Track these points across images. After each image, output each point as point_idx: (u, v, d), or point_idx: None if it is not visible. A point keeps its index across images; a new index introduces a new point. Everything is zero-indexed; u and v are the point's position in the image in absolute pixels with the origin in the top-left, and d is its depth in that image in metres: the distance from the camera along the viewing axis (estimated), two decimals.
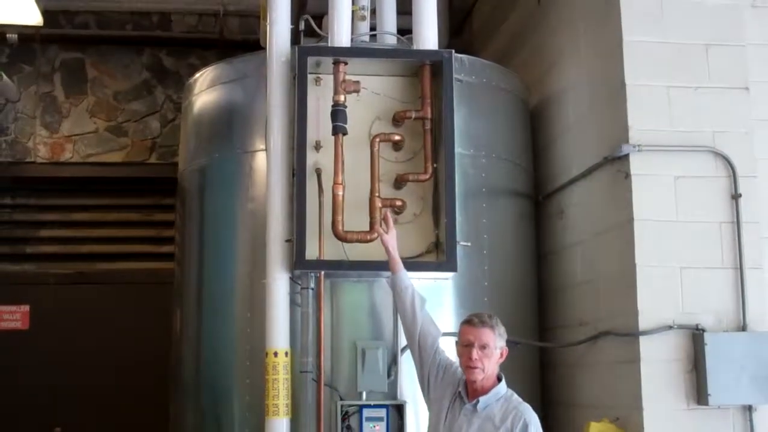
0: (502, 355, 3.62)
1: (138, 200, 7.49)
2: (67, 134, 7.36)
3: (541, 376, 5.40)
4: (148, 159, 7.37)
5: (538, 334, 5.45)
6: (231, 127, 5.18)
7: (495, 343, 3.57)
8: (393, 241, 4.18)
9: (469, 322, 3.63)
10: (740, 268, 4.49)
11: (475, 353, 3.52)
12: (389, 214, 4.34)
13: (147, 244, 7.42)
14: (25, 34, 7.11)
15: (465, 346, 3.58)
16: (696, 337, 4.37)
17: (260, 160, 4.93)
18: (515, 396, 3.64)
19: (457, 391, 3.68)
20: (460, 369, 3.73)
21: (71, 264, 7.26)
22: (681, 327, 4.40)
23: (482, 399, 3.56)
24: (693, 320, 4.41)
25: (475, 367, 3.53)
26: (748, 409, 4.34)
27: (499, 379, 3.64)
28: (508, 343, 4.89)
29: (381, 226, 4.28)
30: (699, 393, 4.33)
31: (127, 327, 6.97)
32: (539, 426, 3.55)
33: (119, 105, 7.51)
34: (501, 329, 3.64)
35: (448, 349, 3.92)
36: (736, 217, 4.54)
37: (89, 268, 7.26)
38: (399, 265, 4.13)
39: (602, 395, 4.76)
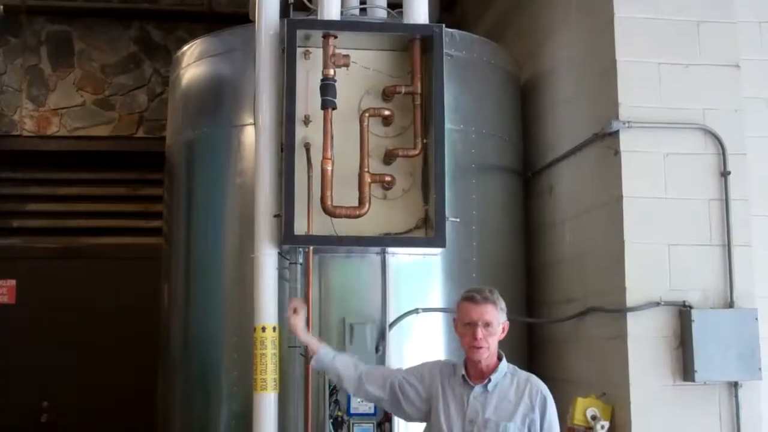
0: (503, 330, 3.43)
1: (125, 174, 7.44)
2: (54, 107, 7.29)
3: (529, 351, 5.41)
4: (136, 133, 7.32)
5: (526, 310, 5.46)
6: (219, 100, 5.14)
7: (498, 320, 3.37)
8: (301, 323, 3.83)
9: (471, 299, 3.39)
10: (728, 246, 4.50)
11: (480, 332, 3.31)
12: (299, 303, 3.92)
13: (134, 218, 7.38)
14: (11, 5, 7.03)
15: (467, 325, 3.36)
16: (683, 313, 4.39)
17: (249, 134, 4.89)
18: (518, 369, 3.49)
19: (452, 378, 3.47)
20: (435, 363, 3.60)
21: (58, 238, 7.22)
22: (668, 304, 4.41)
23: (493, 378, 3.37)
24: (680, 297, 4.43)
25: (481, 347, 3.32)
26: (734, 385, 4.37)
27: (499, 357, 3.44)
28: None
29: (293, 312, 3.83)
30: (685, 369, 4.34)
31: (114, 302, 6.95)
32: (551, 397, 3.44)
33: (106, 78, 7.45)
34: (502, 303, 3.44)
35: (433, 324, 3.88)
36: (725, 195, 4.54)
37: (76, 243, 7.22)
38: (315, 344, 3.75)
39: (589, 371, 4.79)
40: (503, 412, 3.33)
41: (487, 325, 3.33)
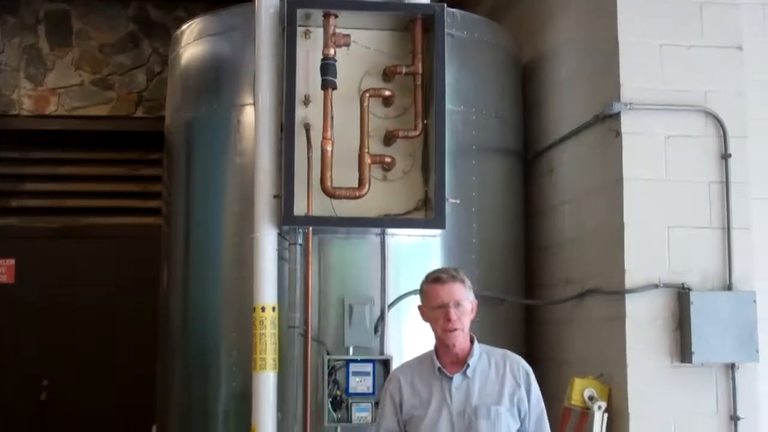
0: (473, 309, 3.25)
1: (124, 154, 7.42)
2: (52, 87, 7.26)
3: (527, 333, 5.43)
4: (134, 113, 7.29)
5: (524, 291, 5.47)
6: (219, 80, 5.12)
7: (467, 298, 3.20)
8: None
9: (438, 280, 3.21)
10: (728, 228, 4.49)
11: (453, 313, 3.13)
12: None
13: (133, 198, 7.37)
14: None
15: (438, 308, 3.17)
16: (682, 295, 4.39)
17: (248, 114, 4.87)
18: (491, 347, 3.33)
19: (422, 377, 3.25)
20: (390, 380, 3.35)
21: (57, 218, 7.22)
22: (667, 286, 4.41)
23: (471, 362, 3.19)
24: (679, 279, 4.43)
25: (456, 329, 3.14)
26: (731, 367, 4.38)
27: (471, 340, 3.26)
28: (495, 300, 5.00)
29: None
30: (683, 351, 4.35)
31: (113, 281, 6.95)
32: None
33: (105, 58, 7.40)
34: (468, 281, 3.26)
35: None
36: (725, 177, 4.53)
37: (75, 223, 7.21)
38: None
39: (587, 352, 4.80)
40: (490, 396, 3.17)
41: (458, 304, 3.16)
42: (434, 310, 3.18)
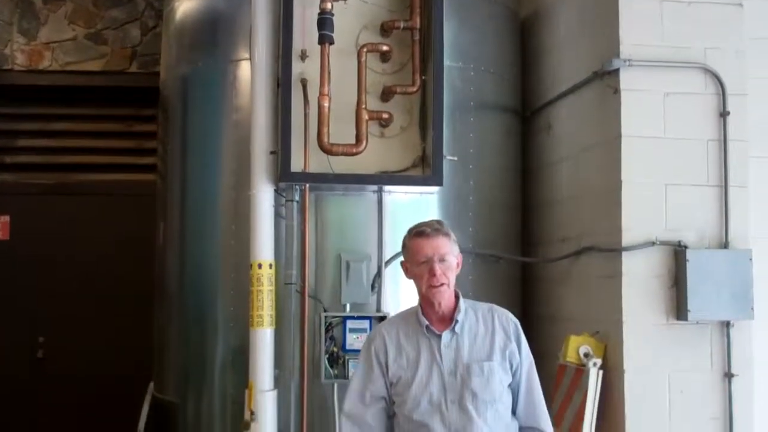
0: (458, 264, 3.11)
1: (118, 110, 7.34)
2: (45, 41, 7.15)
3: (524, 290, 5.44)
4: (128, 68, 7.20)
5: (521, 249, 5.47)
6: (214, 35, 5.06)
7: (452, 252, 3.06)
8: None
9: (422, 234, 3.05)
10: (725, 186, 4.49)
11: (438, 267, 2.98)
12: None
13: (128, 155, 7.31)
14: None
15: (423, 263, 3.01)
16: (678, 253, 4.40)
17: (245, 69, 4.83)
18: (475, 302, 3.20)
19: (407, 336, 3.09)
20: (372, 340, 3.16)
21: (51, 174, 7.16)
22: (664, 243, 4.41)
23: (459, 318, 3.06)
24: (676, 237, 4.43)
25: (441, 284, 2.99)
26: (726, 324, 4.40)
27: (456, 296, 3.12)
28: (492, 257, 5.01)
29: None
30: (679, 309, 4.37)
31: (108, 238, 6.93)
32: None
33: (98, 12, 7.28)
34: (452, 235, 3.11)
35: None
36: (723, 135, 4.52)
37: (69, 179, 7.16)
38: None
39: (583, 310, 4.82)
40: (481, 352, 3.05)
41: (443, 259, 3.01)
42: (418, 265, 3.03)
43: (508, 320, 3.14)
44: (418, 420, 3.01)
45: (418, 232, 3.07)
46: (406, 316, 3.20)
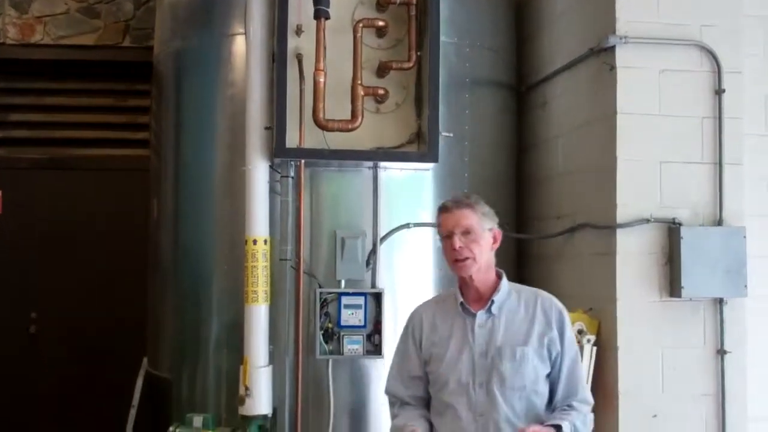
0: (495, 239, 3.00)
1: (111, 85, 7.29)
2: (38, 15, 7.08)
3: (518, 267, 5.45)
4: (122, 42, 7.15)
5: (516, 225, 5.48)
6: (209, 9, 5.00)
7: (480, 225, 2.94)
8: None
9: (443, 209, 3.00)
10: (719, 164, 4.49)
11: (458, 240, 2.89)
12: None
13: (120, 130, 7.27)
14: None
15: (446, 238, 2.96)
16: (672, 230, 4.41)
17: (239, 43, 4.79)
18: (522, 285, 3.12)
19: (443, 313, 3.04)
20: (411, 318, 3.15)
21: (44, 149, 7.13)
22: (658, 220, 4.42)
23: (496, 298, 2.96)
24: (670, 214, 4.44)
25: (464, 258, 2.90)
26: (719, 301, 4.42)
27: (499, 276, 3.05)
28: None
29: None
30: (672, 286, 4.39)
31: (101, 212, 6.91)
32: None
33: None
34: (484, 208, 2.99)
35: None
36: (719, 113, 4.51)
37: (62, 154, 7.13)
38: None
39: (577, 286, 4.83)
40: (517, 335, 2.92)
41: (466, 232, 2.92)
42: (443, 240, 2.98)
43: (551, 306, 3.02)
44: (446, 400, 2.95)
45: (440, 207, 3.04)
46: (445, 296, 3.15)
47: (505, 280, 3.04)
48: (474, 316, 2.97)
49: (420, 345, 3.06)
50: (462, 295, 3.02)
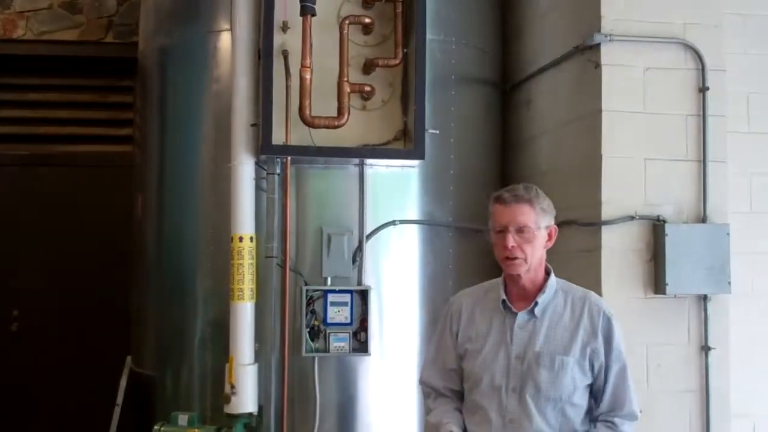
0: (550, 236, 2.83)
1: (94, 81, 7.24)
2: (20, 10, 7.02)
3: None
4: (105, 38, 7.10)
5: None
6: (194, 4, 4.99)
7: (537, 223, 2.75)
8: None
9: (499, 200, 2.78)
10: (703, 161, 4.51)
11: (511, 239, 2.70)
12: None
13: (104, 126, 7.22)
14: None
15: (498, 233, 2.76)
16: (657, 227, 4.43)
17: (225, 40, 4.78)
18: (572, 284, 2.91)
19: (484, 308, 2.87)
20: (451, 304, 3.00)
21: (26, 145, 7.07)
22: (643, 218, 4.44)
23: (540, 300, 2.76)
24: (655, 211, 4.46)
25: (515, 258, 2.71)
26: (703, 298, 4.45)
27: (547, 272, 2.85)
28: (471, 231, 5.02)
29: None
30: (657, 282, 4.41)
31: (85, 209, 6.86)
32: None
33: None
34: (544, 203, 2.79)
35: None
36: (702, 110, 4.54)
37: (45, 150, 7.08)
38: None
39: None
40: (558, 343, 2.73)
41: (521, 230, 2.72)
42: (495, 234, 2.78)
43: (599, 313, 2.80)
44: (476, 400, 2.80)
45: (496, 197, 2.81)
46: (489, 287, 2.95)
47: (552, 279, 2.85)
48: (515, 315, 2.79)
49: (456, 337, 2.90)
50: (506, 290, 2.84)
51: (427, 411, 3.00)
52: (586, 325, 2.75)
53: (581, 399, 2.77)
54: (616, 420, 2.77)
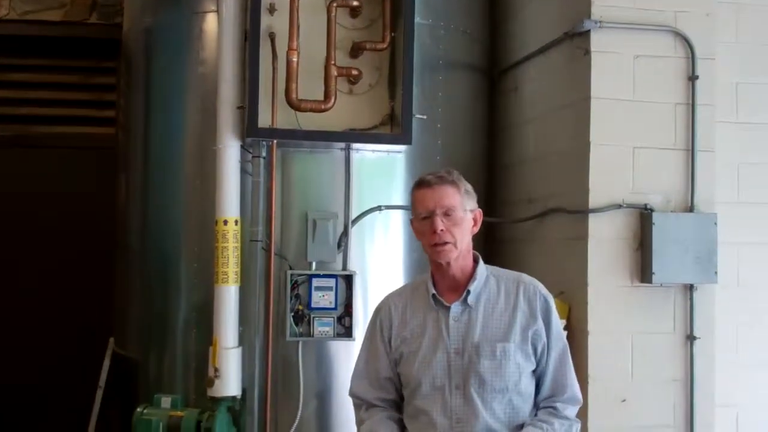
0: (475, 221, 2.70)
1: (77, 62, 7.16)
2: None
3: (489, 251, 5.43)
4: (89, 19, 7.01)
5: (487, 209, 5.45)
6: None
7: (463, 205, 2.63)
8: None
9: (423, 184, 2.65)
10: (692, 150, 4.51)
11: (440, 222, 2.57)
12: None
13: (87, 107, 7.15)
14: None
15: (424, 219, 2.62)
16: (644, 216, 4.42)
17: (211, 21, 4.71)
18: (501, 269, 2.79)
19: (414, 307, 2.72)
20: (377, 312, 2.82)
21: (9, 126, 6.99)
22: (630, 206, 4.43)
23: (472, 288, 2.64)
24: (642, 200, 4.45)
25: (445, 243, 2.58)
26: (690, 287, 4.45)
27: (475, 260, 2.73)
28: None
29: None
30: (643, 271, 4.40)
31: (68, 191, 6.80)
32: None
33: None
34: (467, 185, 2.68)
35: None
36: (692, 99, 4.53)
37: (28, 131, 7.00)
38: None
39: (549, 271, 4.81)
40: (496, 330, 2.61)
41: (448, 213, 2.59)
42: (420, 221, 2.64)
43: (536, 294, 2.69)
44: (418, 405, 2.65)
45: (418, 182, 2.68)
46: (416, 285, 2.81)
47: (482, 265, 2.73)
48: (448, 308, 2.65)
49: (389, 342, 2.74)
50: (434, 283, 2.70)
51: (359, 423, 2.84)
52: (523, 308, 2.64)
53: (528, 386, 2.66)
54: (559, 405, 2.68)
